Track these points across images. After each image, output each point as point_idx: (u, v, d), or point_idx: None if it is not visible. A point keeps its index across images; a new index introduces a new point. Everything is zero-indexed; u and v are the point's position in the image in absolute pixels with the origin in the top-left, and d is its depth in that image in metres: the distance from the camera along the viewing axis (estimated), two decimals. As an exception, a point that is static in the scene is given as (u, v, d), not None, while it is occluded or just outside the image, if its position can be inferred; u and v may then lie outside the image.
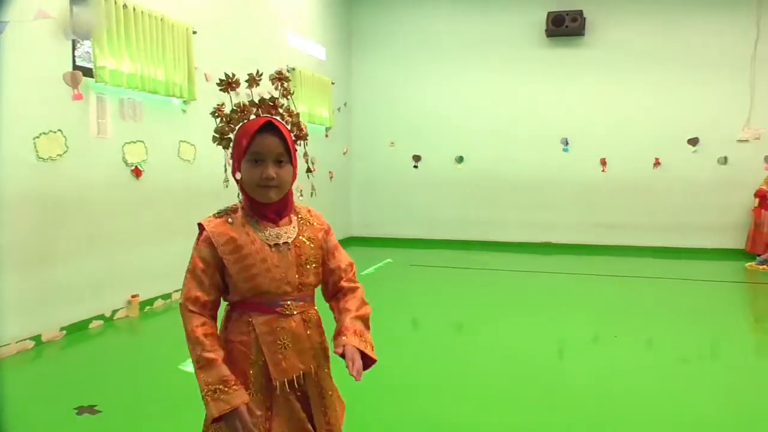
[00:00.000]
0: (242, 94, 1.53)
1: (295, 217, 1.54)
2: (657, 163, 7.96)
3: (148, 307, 4.83)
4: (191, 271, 1.46)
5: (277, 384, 1.45)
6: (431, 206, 8.66)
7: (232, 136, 1.51)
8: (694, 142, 7.83)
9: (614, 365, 3.65)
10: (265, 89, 1.54)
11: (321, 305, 1.59)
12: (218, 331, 1.47)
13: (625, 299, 5.55)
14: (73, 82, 4.03)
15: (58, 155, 3.98)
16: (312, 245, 1.52)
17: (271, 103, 1.51)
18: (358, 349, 1.43)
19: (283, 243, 1.48)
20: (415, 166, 8.79)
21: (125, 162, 4.58)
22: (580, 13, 7.81)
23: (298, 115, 1.55)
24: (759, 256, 7.12)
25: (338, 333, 1.48)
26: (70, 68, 4.05)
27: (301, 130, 1.55)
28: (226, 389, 1.35)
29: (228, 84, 1.52)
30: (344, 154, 8.71)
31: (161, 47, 4.71)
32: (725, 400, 3.14)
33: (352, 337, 1.46)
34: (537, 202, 8.32)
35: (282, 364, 1.45)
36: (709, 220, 7.81)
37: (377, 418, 2.72)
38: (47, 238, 3.96)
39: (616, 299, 5.55)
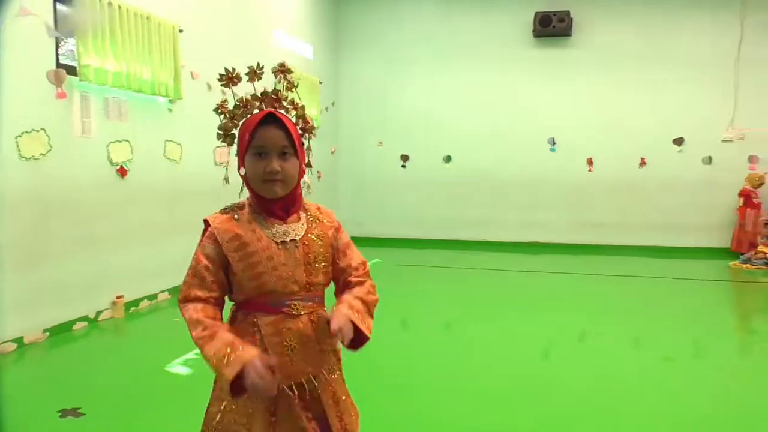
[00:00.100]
0: (238, 92, 1.49)
1: (304, 215, 1.49)
2: (643, 163, 8.02)
3: (133, 308, 4.78)
4: (193, 268, 1.40)
5: (284, 388, 1.38)
6: (419, 206, 8.67)
7: (236, 132, 1.46)
8: (679, 142, 7.91)
9: (602, 364, 3.66)
10: (265, 86, 1.50)
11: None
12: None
13: (611, 298, 5.59)
14: (57, 81, 3.98)
15: (41, 154, 3.92)
16: (321, 243, 1.47)
17: (275, 96, 1.46)
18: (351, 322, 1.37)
19: (291, 240, 1.42)
20: (403, 166, 8.79)
21: (110, 161, 4.53)
22: (567, 13, 7.86)
23: (303, 107, 1.50)
24: (743, 254, 7.21)
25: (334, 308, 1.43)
26: (53, 66, 3.99)
27: (307, 122, 1.50)
28: (234, 351, 1.27)
29: (229, 78, 1.48)
30: (332, 153, 8.69)
31: (147, 46, 4.66)
32: (710, 398, 3.17)
33: (345, 308, 1.40)
34: (524, 202, 8.36)
35: (288, 367, 1.39)
36: (695, 220, 7.89)
37: (364, 418, 2.70)
38: (29, 239, 3.90)
39: (603, 298, 5.58)
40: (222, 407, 1.41)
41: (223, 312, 1.45)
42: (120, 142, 4.60)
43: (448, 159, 8.61)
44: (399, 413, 2.85)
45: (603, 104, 8.05)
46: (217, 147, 5.72)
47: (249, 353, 1.28)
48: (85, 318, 4.34)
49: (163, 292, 5.12)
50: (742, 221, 7.48)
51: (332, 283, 1.55)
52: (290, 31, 7.29)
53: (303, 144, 1.48)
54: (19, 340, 3.81)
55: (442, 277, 6.62)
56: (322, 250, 1.46)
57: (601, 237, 8.16)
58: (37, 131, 3.89)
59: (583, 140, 8.12)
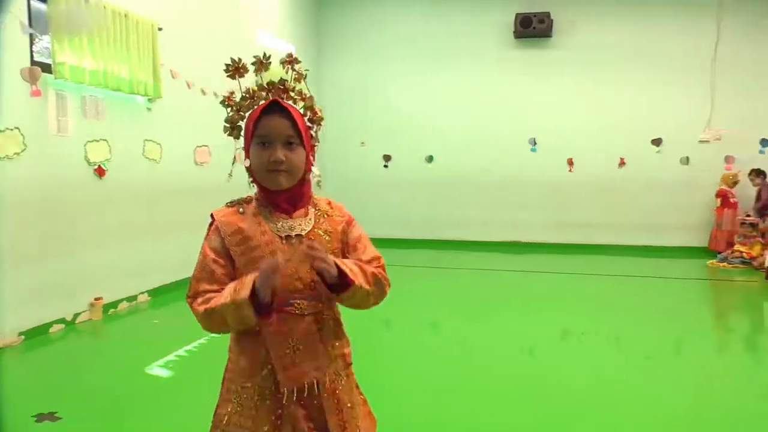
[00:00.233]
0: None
1: (313, 209, 1.43)
2: (622, 163, 8.11)
3: (112, 310, 4.70)
4: (201, 263, 1.36)
5: (286, 392, 1.32)
6: (402, 205, 8.67)
7: (242, 124, 1.41)
8: (657, 142, 8.01)
9: (584, 362, 3.69)
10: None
11: (344, 310, 1.45)
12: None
13: (592, 297, 5.64)
14: (32, 78, 3.89)
15: (15, 153, 3.83)
16: (329, 239, 1.40)
17: (282, 86, 1.40)
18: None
19: (296, 236, 1.36)
20: (386, 166, 8.79)
21: (87, 161, 4.45)
22: (548, 14, 7.92)
23: (311, 98, 1.44)
24: (720, 253, 7.32)
25: None
26: (27, 64, 3.91)
27: (315, 113, 1.43)
28: (241, 282, 1.26)
29: (235, 69, 1.42)
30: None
31: (125, 44, 4.59)
32: (688, 396, 3.21)
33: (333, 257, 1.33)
34: (506, 202, 8.41)
35: (291, 370, 1.32)
36: (673, 219, 8.00)
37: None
38: (4, 239, 3.80)
39: (584, 297, 5.64)
40: (229, 409, 1.37)
41: None
42: (97, 141, 4.53)
43: (430, 159, 8.63)
44: (382, 413, 2.83)
45: (583, 105, 8.13)
46: (198, 147, 5.67)
47: (253, 274, 1.25)
48: (62, 320, 4.25)
49: (142, 293, 5.05)
50: (719, 221, 7.61)
51: None
52: (272, 31, 7.24)
53: (310, 135, 1.43)
54: (-7, 344, 3.72)
55: (425, 277, 6.62)
56: (329, 246, 1.39)
57: (581, 236, 8.24)
58: (11, 130, 3.80)
59: (563, 141, 8.19)
